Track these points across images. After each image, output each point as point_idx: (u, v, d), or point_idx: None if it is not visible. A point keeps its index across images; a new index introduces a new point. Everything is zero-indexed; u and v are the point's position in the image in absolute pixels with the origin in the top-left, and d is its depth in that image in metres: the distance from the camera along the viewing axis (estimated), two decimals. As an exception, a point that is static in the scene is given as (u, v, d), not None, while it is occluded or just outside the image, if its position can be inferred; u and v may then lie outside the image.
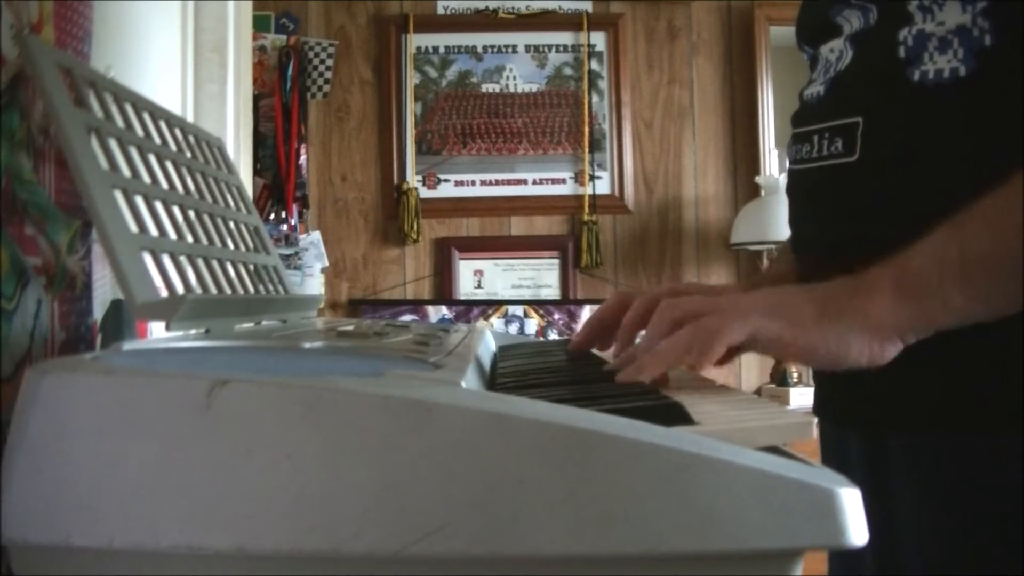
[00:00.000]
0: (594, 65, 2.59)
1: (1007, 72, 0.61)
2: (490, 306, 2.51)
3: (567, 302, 2.53)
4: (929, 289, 0.57)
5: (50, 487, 0.38)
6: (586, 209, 2.55)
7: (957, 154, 0.63)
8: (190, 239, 0.72)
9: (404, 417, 0.38)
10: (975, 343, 0.59)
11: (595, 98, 2.59)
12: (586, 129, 2.56)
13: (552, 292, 2.55)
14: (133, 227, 0.61)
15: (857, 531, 0.38)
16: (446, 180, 2.56)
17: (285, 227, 2.39)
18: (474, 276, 2.55)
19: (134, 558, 0.38)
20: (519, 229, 2.58)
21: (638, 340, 0.67)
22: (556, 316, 2.51)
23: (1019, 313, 0.57)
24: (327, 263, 2.46)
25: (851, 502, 0.38)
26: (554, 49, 2.60)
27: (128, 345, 0.53)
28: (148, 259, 0.60)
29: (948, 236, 0.57)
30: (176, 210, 0.71)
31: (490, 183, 2.56)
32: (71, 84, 0.64)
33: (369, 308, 2.51)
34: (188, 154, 0.83)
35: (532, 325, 2.51)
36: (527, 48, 2.60)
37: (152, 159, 0.71)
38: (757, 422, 0.44)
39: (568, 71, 2.60)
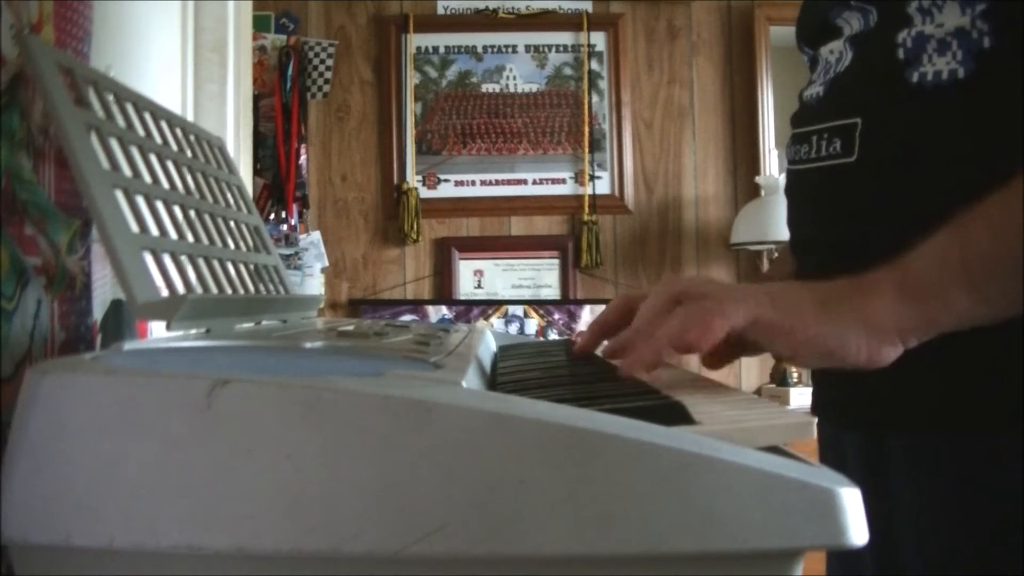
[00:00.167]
0: (594, 65, 2.59)
1: (1006, 74, 0.61)
2: (490, 306, 2.51)
3: (567, 302, 2.53)
4: (931, 291, 0.57)
5: (50, 487, 0.38)
6: (586, 209, 2.55)
7: (955, 155, 0.63)
8: (191, 239, 0.72)
9: (404, 417, 0.38)
10: (975, 343, 0.59)
11: (595, 98, 2.59)
12: (586, 129, 2.56)
13: (552, 292, 2.55)
14: (134, 227, 0.61)
15: (857, 531, 0.38)
16: (446, 180, 2.56)
17: (285, 227, 2.39)
18: (474, 276, 2.55)
19: (134, 558, 0.38)
20: (519, 229, 2.58)
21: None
22: (556, 316, 2.51)
23: (1018, 314, 0.57)
24: (327, 263, 2.46)
25: (851, 502, 0.38)
26: (554, 49, 2.61)
27: (128, 345, 0.53)
28: (149, 259, 0.60)
29: (951, 238, 0.57)
30: (177, 210, 0.71)
31: (490, 183, 2.57)
32: (72, 84, 0.64)
33: (369, 308, 2.51)
34: (189, 154, 0.83)
35: (532, 325, 2.51)
36: (527, 48, 2.60)
37: (153, 159, 0.71)
38: (757, 422, 0.44)
39: (568, 71, 2.60)
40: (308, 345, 0.61)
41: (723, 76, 2.63)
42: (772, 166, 2.54)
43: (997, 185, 0.57)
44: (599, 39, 2.60)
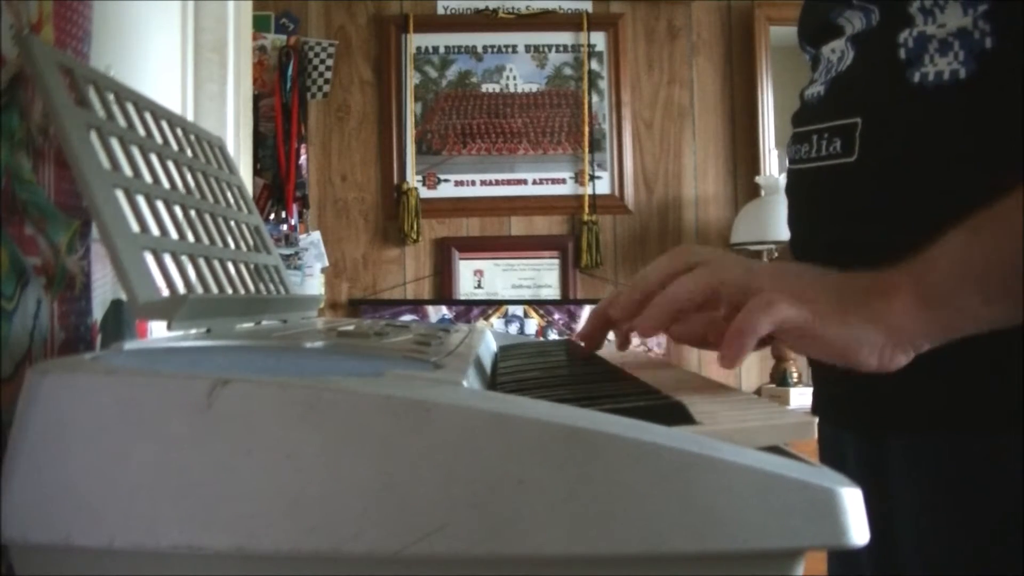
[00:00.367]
0: (594, 65, 2.59)
1: (1008, 74, 0.61)
2: (490, 306, 2.51)
3: (567, 302, 2.53)
4: (950, 297, 0.56)
5: (50, 487, 0.38)
6: (586, 209, 2.55)
7: (956, 156, 0.63)
8: (191, 238, 0.72)
9: (404, 417, 0.38)
10: (975, 343, 0.59)
11: (595, 98, 2.59)
12: (586, 129, 2.56)
13: (552, 292, 2.55)
14: (135, 226, 0.61)
15: (858, 531, 0.38)
16: (446, 180, 2.56)
17: (285, 227, 2.39)
18: (474, 276, 2.55)
19: (134, 558, 0.38)
20: (519, 229, 2.58)
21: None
22: (556, 316, 2.51)
23: None
24: (327, 263, 2.46)
25: (852, 502, 0.38)
26: (554, 49, 2.61)
27: (128, 345, 0.53)
28: (149, 258, 0.60)
29: (968, 241, 0.56)
30: (177, 209, 0.71)
31: (490, 183, 2.57)
32: (72, 84, 0.64)
33: (369, 308, 2.51)
34: (189, 154, 0.83)
35: (532, 325, 2.51)
36: (527, 48, 2.60)
37: (153, 158, 0.71)
38: (757, 422, 0.44)
39: (568, 71, 2.60)
40: (308, 345, 0.61)
41: (723, 76, 2.63)
42: (772, 166, 2.54)
43: (1002, 186, 0.56)
44: (599, 39, 2.60)
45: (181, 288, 0.64)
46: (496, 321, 2.50)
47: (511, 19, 2.59)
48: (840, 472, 0.39)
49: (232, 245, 0.83)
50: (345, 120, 2.57)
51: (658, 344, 2.43)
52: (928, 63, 0.64)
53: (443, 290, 2.54)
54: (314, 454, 0.38)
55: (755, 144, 2.58)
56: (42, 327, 0.65)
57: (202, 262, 0.72)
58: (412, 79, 2.56)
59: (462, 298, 2.53)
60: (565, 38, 2.60)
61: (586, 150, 2.56)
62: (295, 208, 2.42)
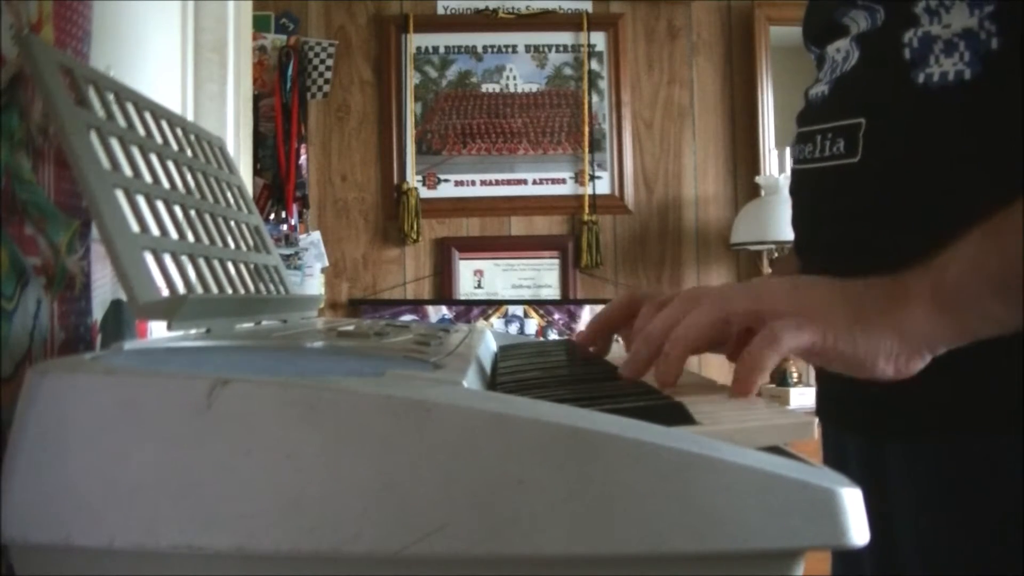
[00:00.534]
0: (594, 65, 2.59)
1: (1013, 76, 0.60)
2: (490, 306, 2.51)
3: (567, 302, 2.53)
4: (967, 300, 0.55)
5: (50, 487, 0.38)
6: (586, 209, 2.55)
7: (959, 157, 0.63)
8: (191, 238, 0.72)
9: (404, 417, 0.38)
10: (975, 345, 0.59)
11: (595, 98, 2.59)
12: (586, 129, 2.56)
13: (552, 292, 2.55)
14: (135, 226, 0.61)
15: (858, 531, 0.38)
16: (446, 180, 2.56)
17: (285, 227, 2.39)
18: (474, 276, 2.55)
19: (134, 558, 0.38)
20: (519, 229, 2.58)
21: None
22: (556, 316, 2.51)
23: None
24: (327, 263, 2.46)
25: (852, 502, 0.38)
26: (554, 49, 2.61)
27: (128, 345, 0.53)
28: (149, 258, 0.60)
29: (985, 243, 0.55)
30: (177, 209, 0.71)
31: (490, 183, 2.57)
32: (72, 84, 0.64)
33: (369, 308, 2.51)
34: (189, 154, 0.83)
35: (532, 325, 2.51)
36: (527, 48, 2.60)
37: (153, 158, 0.71)
38: (757, 422, 0.44)
39: (568, 71, 2.60)
40: (308, 345, 0.61)
41: (723, 76, 2.63)
42: (772, 166, 2.54)
43: (1006, 188, 0.56)
44: (599, 39, 2.60)
45: (181, 288, 0.64)
46: (496, 321, 2.50)
47: (511, 19, 2.59)
48: (842, 472, 0.39)
49: (232, 245, 0.83)
50: (345, 120, 2.57)
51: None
52: (933, 64, 0.64)
53: (443, 290, 2.54)
54: (314, 454, 0.38)
55: (755, 144, 2.58)
56: (42, 327, 0.65)
57: (202, 262, 0.72)
58: (412, 79, 2.56)
59: (462, 298, 2.53)
60: (565, 38, 2.60)
61: (586, 150, 2.56)
62: (295, 208, 2.42)
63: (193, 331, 0.63)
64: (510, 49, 2.60)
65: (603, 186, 2.57)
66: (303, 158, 2.46)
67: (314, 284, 2.39)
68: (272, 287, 0.92)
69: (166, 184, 0.72)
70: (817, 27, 0.77)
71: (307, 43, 2.52)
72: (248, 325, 0.77)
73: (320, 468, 0.38)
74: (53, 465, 0.39)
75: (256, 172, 2.33)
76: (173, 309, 0.55)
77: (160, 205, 0.68)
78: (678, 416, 0.44)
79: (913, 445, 0.67)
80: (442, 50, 2.59)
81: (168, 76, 1.18)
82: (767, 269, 2.50)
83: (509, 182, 2.57)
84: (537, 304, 2.52)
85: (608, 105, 2.59)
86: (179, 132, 0.82)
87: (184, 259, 0.67)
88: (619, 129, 2.58)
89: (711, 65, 2.63)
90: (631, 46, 2.61)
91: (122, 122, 0.70)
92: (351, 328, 0.75)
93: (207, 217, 0.78)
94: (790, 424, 0.44)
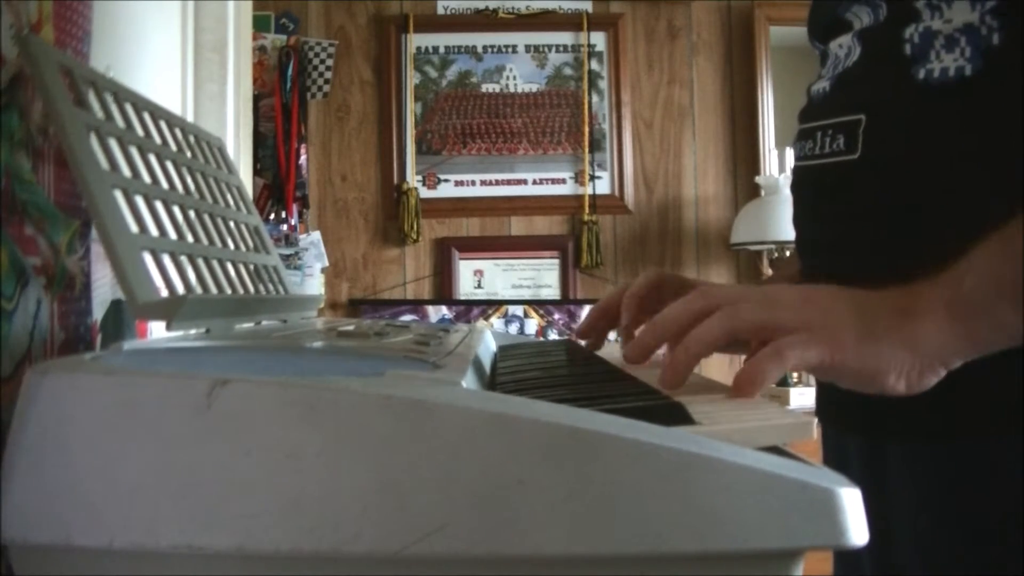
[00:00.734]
0: (594, 65, 2.59)
1: (1014, 72, 0.60)
2: (490, 306, 2.51)
3: (567, 302, 2.53)
4: (982, 311, 0.54)
5: (50, 487, 0.38)
6: (586, 209, 2.55)
7: (959, 155, 0.62)
8: (190, 239, 0.72)
9: (404, 417, 0.38)
10: None
11: (595, 98, 2.59)
12: (586, 129, 2.56)
13: (552, 292, 2.55)
14: (133, 227, 0.61)
15: (858, 531, 0.38)
16: (446, 180, 2.56)
17: (285, 227, 2.39)
18: (474, 276, 2.55)
19: (134, 558, 0.38)
20: (519, 229, 2.58)
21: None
22: (556, 316, 2.51)
23: None
24: (327, 263, 2.46)
25: (851, 502, 0.38)
26: (554, 49, 2.61)
27: (128, 345, 0.53)
28: (148, 259, 0.60)
29: (999, 252, 0.54)
30: (176, 210, 0.71)
31: (490, 183, 2.57)
32: (71, 84, 0.64)
33: (369, 308, 2.51)
34: (188, 154, 0.83)
35: (532, 325, 2.51)
36: (527, 48, 2.60)
37: (152, 159, 0.71)
38: (757, 422, 0.44)
39: (568, 71, 2.60)
40: (308, 345, 0.61)
41: (723, 76, 2.63)
42: (772, 166, 2.54)
43: (1005, 185, 0.56)
44: (599, 39, 2.60)
45: (180, 288, 0.64)
46: (496, 321, 2.50)
47: (511, 19, 2.59)
48: (843, 473, 0.39)
49: (231, 245, 0.83)
50: (345, 120, 2.57)
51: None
52: (934, 59, 0.63)
53: (443, 290, 2.54)
54: (314, 454, 0.38)
55: (755, 144, 2.58)
56: (42, 327, 0.65)
57: (201, 262, 0.72)
58: (412, 79, 2.56)
59: (462, 298, 2.53)
60: (565, 38, 2.60)
61: (586, 150, 2.56)
62: (295, 208, 2.42)
63: (192, 331, 0.63)
64: (510, 49, 2.60)
65: (603, 186, 2.57)
66: (303, 158, 2.46)
67: (314, 284, 2.39)
68: (272, 287, 0.92)
69: (165, 184, 0.72)
70: (821, 23, 0.77)
71: (307, 43, 2.52)
72: (248, 325, 0.77)
73: (320, 468, 0.38)
74: (53, 465, 0.39)
75: (256, 172, 2.33)
76: (172, 309, 0.55)
77: (159, 205, 0.68)
78: (677, 416, 0.44)
79: (912, 446, 0.67)
80: (442, 50, 2.59)
81: (168, 76, 1.18)
82: (767, 269, 2.50)
83: (509, 182, 2.57)
84: (537, 304, 2.52)
85: (608, 105, 2.59)
86: (178, 132, 0.82)
87: (183, 259, 0.67)
88: (619, 129, 2.58)
89: (711, 65, 2.63)
90: (631, 46, 2.61)
91: (121, 123, 0.70)
92: (351, 328, 0.75)
93: (206, 217, 0.78)
94: (790, 424, 0.44)
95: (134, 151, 0.68)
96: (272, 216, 2.39)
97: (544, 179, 2.57)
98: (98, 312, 0.77)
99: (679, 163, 2.60)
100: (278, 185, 2.41)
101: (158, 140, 0.76)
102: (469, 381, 0.50)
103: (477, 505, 0.38)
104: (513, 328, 2.48)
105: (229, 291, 0.76)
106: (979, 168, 0.61)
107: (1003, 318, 0.54)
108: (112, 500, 0.38)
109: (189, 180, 0.79)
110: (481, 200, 2.55)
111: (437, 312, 2.51)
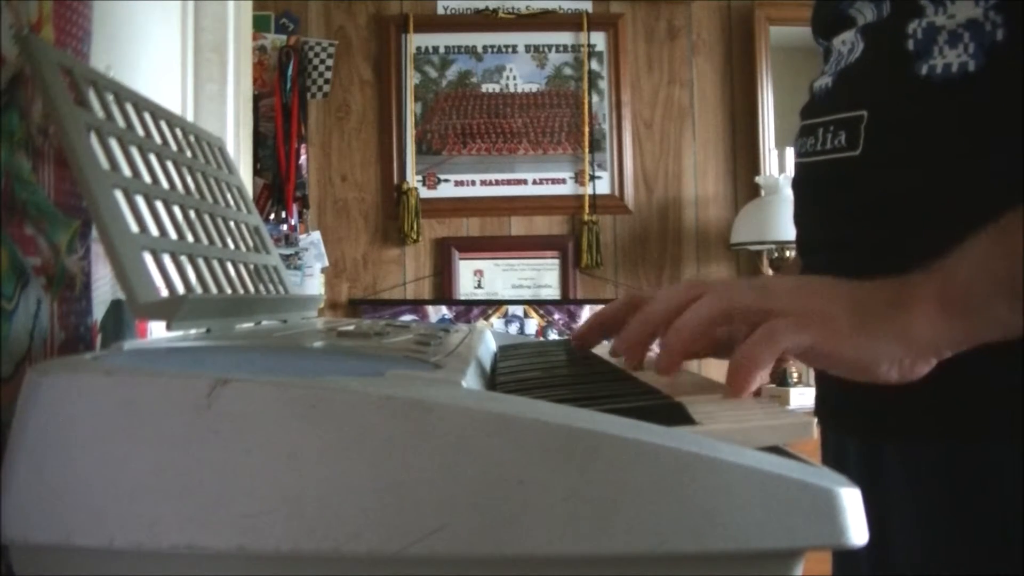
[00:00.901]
0: (594, 65, 2.60)
1: (1017, 68, 0.60)
2: (490, 306, 2.51)
3: (567, 302, 2.53)
4: (976, 304, 0.54)
5: (50, 487, 0.38)
6: (586, 209, 2.55)
7: (962, 151, 0.62)
8: (191, 239, 0.72)
9: (405, 417, 0.38)
10: (973, 348, 0.59)
11: (595, 98, 2.59)
12: (586, 129, 2.56)
13: (552, 292, 2.55)
14: (134, 227, 0.61)
15: (857, 531, 0.38)
16: (446, 180, 2.56)
17: (285, 227, 2.39)
18: (474, 276, 2.55)
19: (134, 558, 0.38)
20: (519, 229, 2.58)
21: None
22: (556, 316, 2.51)
23: None
24: (327, 263, 2.46)
25: (851, 502, 0.38)
26: (554, 49, 2.61)
27: (128, 345, 0.53)
28: (149, 259, 0.60)
29: (995, 244, 0.54)
30: (177, 210, 0.71)
31: (490, 183, 2.57)
32: (71, 84, 0.64)
33: (369, 308, 2.51)
34: (189, 154, 0.83)
35: (532, 325, 2.51)
36: (527, 48, 2.60)
37: (153, 159, 0.71)
38: (757, 422, 0.44)
39: (568, 71, 2.60)
40: (308, 345, 0.61)
41: (723, 76, 2.63)
42: (772, 166, 2.54)
43: (1006, 182, 0.56)
44: (599, 39, 2.60)
45: (180, 288, 0.64)
46: (496, 321, 2.50)
47: (511, 19, 2.59)
48: (842, 473, 0.39)
49: (232, 245, 0.83)
50: (345, 120, 2.57)
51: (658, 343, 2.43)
52: (937, 55, 0.63)
53: (443, 290, 2.54)
54: (314, 454, 0.38)
55: (755, 144, 2.58)
56: (42, 327, 0.65)
57: (201, 262, 0.72)
58: (412, 79, 2.56)
59: (462, 298, 2.53)
60: (565, 38, 2.60)
61: (586, 150, 2.56)
62: (295, 208, 2.42)
63: (193, 331, 0.63)
64: (510, 49, 2.60)
65: (603, 186, 2.57)
66: (303, 158, 2.46)
67: (314, 284, 2.39)
68: (272, 287, 0.92)
69: (165, 184, 0.72)
70: (824, 19, 0.77)
71: (307, 43, 2.52)
72: (248, 325, 0.77)
73: (320, 468, 0.38)
74: (53, 465, 0.39)
75: (256, 172, 2.33)
76: (173, 309, 0.55)
77: (159, 205, 0.68)
78: (677, 416, 0.44)
79: (910, 447, 0.67)
80: (442, 50, 2.59)
81: (168, 76, 1.18)
82: (767, 269, 2.50)
83: (509, 182, 2.57)
84: (537, 304, 2.52)
85: (608, 105, 2.59)
86: (178, 132, 0.82)
87: (183, 259, 0.67)
88: (619, 129, 2.58)
89: (711, 65, 2.63)
90: (631, 46, 2.61)
91: (121, 122, 0.70)
92: (351, 328, 0.75)
93: (207, 217, 0.78)
94: (789, 424, 0.44)
95: (134, 151, 0.68)
96: (272, 216, 2.39)
97: (544, 179, 2.58)
98: (98, 312, 0.77)
99: (679, 163, 2.60)
100: (278, 185, 2.41)
101: (158, 140, 0.76)
102: (470, 381, 0.50)
103: (477, 505, 0.38)
104: (513, 328, 2.48)
105: (229, 291, 0.76)
106: (981, 165, 0.61)
107: (995, 311, 0.54)
108: (112, 500, 0.38)
109: (189, 180, 0.79)
110: (481, 200, 2.56)
111: (437, 312, 2.51)
